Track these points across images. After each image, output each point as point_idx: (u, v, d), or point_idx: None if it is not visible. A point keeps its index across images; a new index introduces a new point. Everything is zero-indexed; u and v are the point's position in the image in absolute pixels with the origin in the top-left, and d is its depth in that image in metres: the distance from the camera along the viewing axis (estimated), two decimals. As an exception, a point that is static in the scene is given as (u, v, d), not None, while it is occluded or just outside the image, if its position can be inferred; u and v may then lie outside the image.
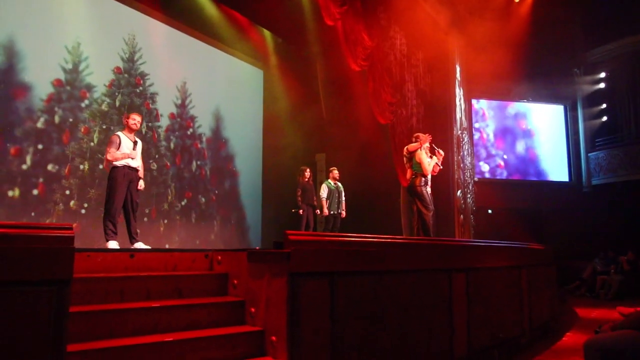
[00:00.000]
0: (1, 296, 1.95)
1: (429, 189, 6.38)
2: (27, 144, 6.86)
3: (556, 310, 7.52)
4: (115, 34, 8.26)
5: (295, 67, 11.37)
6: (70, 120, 7.41)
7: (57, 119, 7.20)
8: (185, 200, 9.31)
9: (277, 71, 11.44)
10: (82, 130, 7.58)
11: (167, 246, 8.58)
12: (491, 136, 14.06)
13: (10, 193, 6.68)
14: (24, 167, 6.86)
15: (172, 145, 9.16)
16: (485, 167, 13.80)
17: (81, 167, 7.50)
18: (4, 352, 1.94)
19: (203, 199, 9.76)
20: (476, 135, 13.56)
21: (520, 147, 14.23)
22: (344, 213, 8.56)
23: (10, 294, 1.97)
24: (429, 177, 6.41)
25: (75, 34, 7.52)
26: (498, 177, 13.89)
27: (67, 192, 7.30)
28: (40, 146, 7.02)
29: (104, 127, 7.81)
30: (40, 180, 7.01)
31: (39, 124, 7.01)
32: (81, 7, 7.77)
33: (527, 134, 14.35)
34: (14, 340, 1.96)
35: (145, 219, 8.35)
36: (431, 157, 6.44)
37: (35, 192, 6.89)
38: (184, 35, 9.59)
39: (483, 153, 13.84)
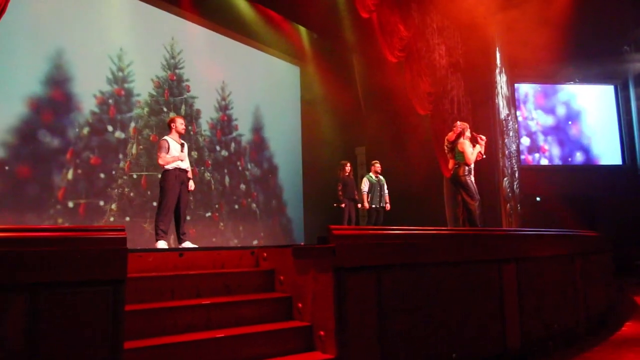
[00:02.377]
0: (61, 297, 2.05)
1: (472, 178, 6.23)
2: (97, 153, 7.27)
3: (613, 300, 7.20)
4: (156, 39, 8.49)
5: (331, 61, 11.35)
6: (126, 128, 7.75)
7: (122, 129, 7.53)
8: (226, 198, 9.49)
9: (313, 67, 11.45)
10: (151, 137, 7.95)
11: (214, 239, 8.85)
12: (539, 121, 13.58)
13: (102, 203, 7.26)
14: (103, 175, 7.35)
15: (213, 145, 9.35)
16: (555, 151, 13.37)
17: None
18: (65, 350, 2.03)
19: (246, 197, 9.91)
20: (524, 121, 13.13)
21: (569, 130, 13.68)
22: (388, 206, 8.48)
23: (69, 295, 2.07)
24: (472, 166, 6.26)
25: (119, 43, 7.78)
26: (546, 163, 13.42)
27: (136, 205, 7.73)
28: (121, 157, 7.54)
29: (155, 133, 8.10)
30: (126, 190, 7.50)
31: (98, 135, 7.36)
32: (122, 15, 8.03)
33: (576, 117, 13.78)
34: (75, 339, 2.06)
35: (189, 217, 8.55)
36: (474, 145, 6.28)
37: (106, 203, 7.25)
38: (220, 36, 9.73)
39: (526, 140, 13.40)
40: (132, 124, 7.86)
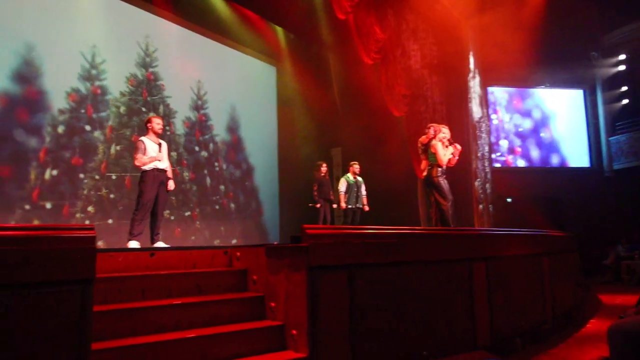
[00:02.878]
0: (27, 297, 2.01)
1: (445, 180, 6.30)
2: (65, 152, 7.08)
3: (580, 297, 7.41)
4: (129, 37, 8.34)
5: (308, 62, 11.36)
6: (102, 127, 7.58)
7: (97, 127, 7.36)
8: (202, 198, 9.40)
9: (290, 67, 11.44)
10: (133, 138, 7.81)
11: (193, 237, 8.80)
12: (509, 124, 13.86)
13: (87, 205, 7.11)
14: (82, 175, 7.19)
15: (188, 145, 9.25)
16: (526, 153, 13.61)
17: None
18: (31, 350, 1.99)
19: (221, 197, 9.84)
20: (497, 123, 13.39)
21: (538, 133, 14.01)
22: (366, 207, 8.52)
23: (36, 294, 2.03)
24: (445, 167, 6.33)
25: (92, 39, 7.62)
26: (517, 165, 13.71)
27: (121, 207, 7.56)
28: (100, 156, 7.37)
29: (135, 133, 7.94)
30: (105, 191, 7.33)
31: (73, 133, 7.17)
32: (95, 12, 7.87)
33: (546, 120, 14.12)
34: (41, 340, 2.01)
35: (172, 217, 8.44)
36: (447, 147, 6.35)
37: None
38: (197, 35, 9.63)
39: (504, 142, 13.66)
40: (109, 123, 7.73)
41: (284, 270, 3.04)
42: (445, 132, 6.26)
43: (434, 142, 6.14)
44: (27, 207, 6.57)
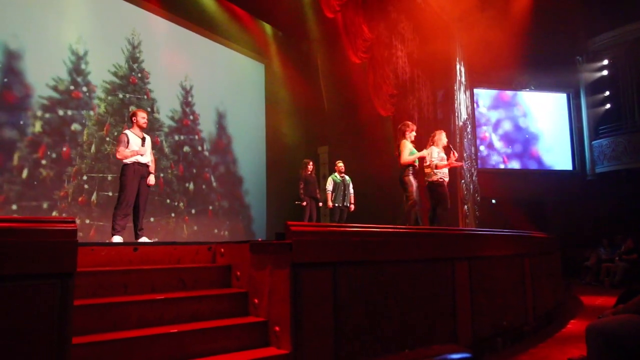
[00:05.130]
0: (6, 290, 1.98)
1: (438, 179, 6.33)
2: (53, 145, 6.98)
3: (560, 298, 7.51)
4: (116, 31, 8.26)
5: (296, 60, 11.36)
6: (81, 120, 7.48)
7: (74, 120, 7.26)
8: (189, 194, 9.34)
9: (278, 64, 11.43)
10: (105, 131, 7.73)
11: (183, 236, 8.77)
12: (494, 126, 14.00)
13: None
14: (72, 169, 7.05)
15: (176, 141, 9.18)
16: (510, 155, 13.76)
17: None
18: (10, 345, 1.96)
19: (207, 193, 9.79)
20: (481, 126, 13.52)
21: (523, 136, 14.17)
22: (352, 206, 8.53)
23: (14, 287, 2.00)
24: (433, 167, 6.34)
25: (77, 32, 7.53)
26: (501, 167, 13.85)
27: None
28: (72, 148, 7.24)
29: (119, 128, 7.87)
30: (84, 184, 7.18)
31: (46, 125, 7.05)
32: (82, 4, 7.78)
33: (530, 123, 14.29)
34: (20, 334, 1.99)
35: (152, 214, 8.39)
36: (430, 146, 6.40)
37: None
38: (185, 30, 9.58)
39: (488, 143, 13.79)
40: (107, 120, 7.73)
41: (268, 266, 3.04)
42: (441, 136, 6.31)
43: (403, 141, 6.18)
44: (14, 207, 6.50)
